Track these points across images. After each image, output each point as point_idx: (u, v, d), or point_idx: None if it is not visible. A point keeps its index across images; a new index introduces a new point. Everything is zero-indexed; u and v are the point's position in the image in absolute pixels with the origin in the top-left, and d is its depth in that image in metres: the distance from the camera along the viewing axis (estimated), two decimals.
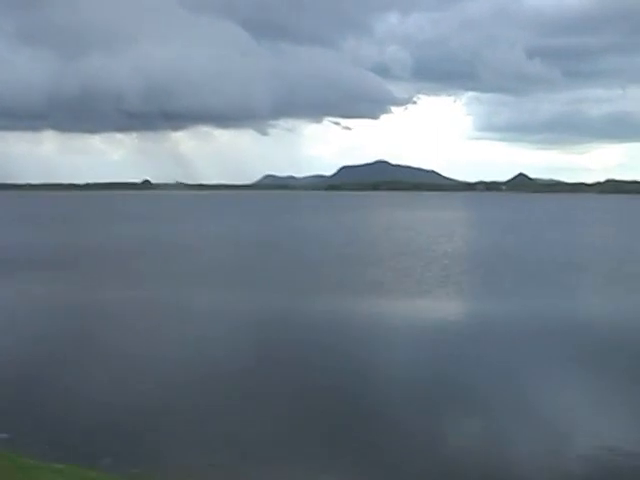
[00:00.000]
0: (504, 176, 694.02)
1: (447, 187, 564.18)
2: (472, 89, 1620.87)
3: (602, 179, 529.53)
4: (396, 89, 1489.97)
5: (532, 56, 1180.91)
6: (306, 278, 45.63)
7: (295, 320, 32.20)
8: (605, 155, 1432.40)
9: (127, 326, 30.86)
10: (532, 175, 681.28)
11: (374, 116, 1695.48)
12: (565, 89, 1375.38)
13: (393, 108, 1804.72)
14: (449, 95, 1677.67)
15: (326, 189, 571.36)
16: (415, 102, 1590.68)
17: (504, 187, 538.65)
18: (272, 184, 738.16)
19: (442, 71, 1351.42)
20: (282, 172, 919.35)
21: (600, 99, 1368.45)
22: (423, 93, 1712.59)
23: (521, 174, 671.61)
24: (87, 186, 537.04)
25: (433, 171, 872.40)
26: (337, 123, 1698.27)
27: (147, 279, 45.70)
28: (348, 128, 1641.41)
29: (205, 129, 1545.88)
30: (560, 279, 47.45)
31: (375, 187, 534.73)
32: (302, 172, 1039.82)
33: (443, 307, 35.93)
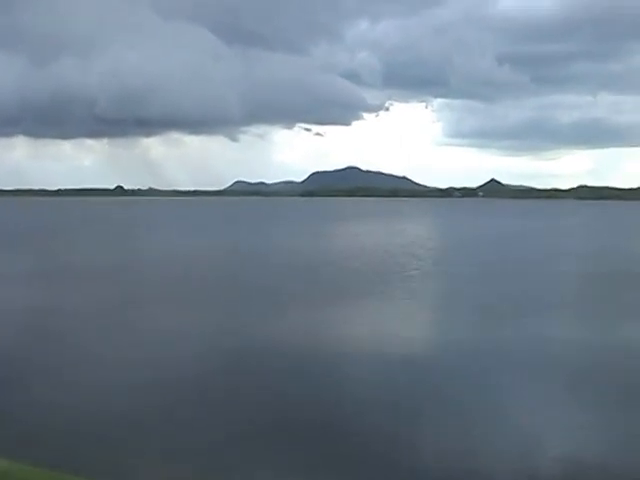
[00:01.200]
0: (474, 182, 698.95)
1: (422, 193, 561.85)
2: (442, 95, 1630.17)
3: (575, 185, 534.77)
4: (368, 95, 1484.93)
5: (502, 63, 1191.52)
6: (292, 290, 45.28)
7: (268, 330, 31.95)
8: (574, 161, 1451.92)
9: (101, 337, 30.62)
10: (503, 181, 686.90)
11: (346, 122, 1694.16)
12: (534, 95, 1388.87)
13: (365, 114, 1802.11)
14: (420, 102, 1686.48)
15: (301, 195, 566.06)
16: (387, 108, 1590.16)
17: (481, 193, 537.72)
18: (243, 190, 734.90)
19: (413, 77, 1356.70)
20: (253, 178, 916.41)
21: (570, 105, 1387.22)
22: (394, 99, 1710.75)
23: (493, 180, 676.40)
24: (59, 192, 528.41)
25: (405, 177, 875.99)
26: (308, 129, 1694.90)
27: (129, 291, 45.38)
28: (320, 134, 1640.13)
29: (176, 135, 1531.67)
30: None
31: (351, 193, 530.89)
32: (273, 178, 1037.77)
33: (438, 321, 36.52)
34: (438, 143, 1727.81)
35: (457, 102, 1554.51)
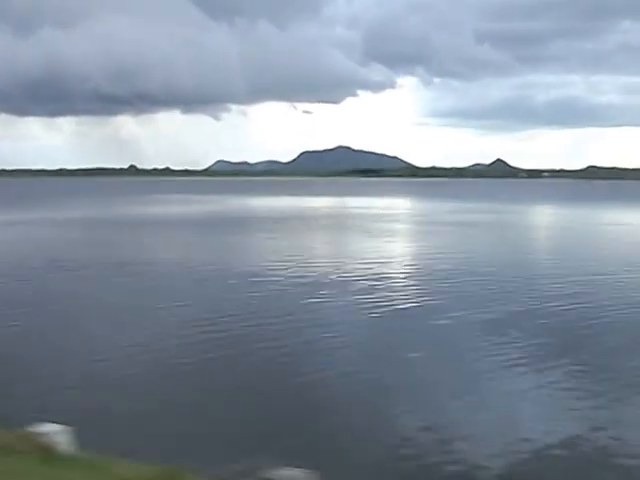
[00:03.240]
0: (470, 161, 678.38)
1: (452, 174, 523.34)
2: (423, 74, 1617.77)
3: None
4: (351, 73, 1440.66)
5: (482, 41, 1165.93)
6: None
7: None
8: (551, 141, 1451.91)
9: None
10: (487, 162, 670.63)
11: (336, 100, 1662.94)
12: (515, 74, 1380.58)
13: (350, 92, 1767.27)
14: (400, 79, 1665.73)
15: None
16: (370, 87, 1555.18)
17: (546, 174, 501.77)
18: (224, 170, 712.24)
19: (391, 56, 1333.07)
20: (235, 157, 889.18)
21: (548, 84, 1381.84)
22: (375, 77, 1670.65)
23: (499, 160, 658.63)
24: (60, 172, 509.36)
25: (396, 157, 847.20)
26: (295, 107, 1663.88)
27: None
28: (308, 112, 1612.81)
29: (153, 113, 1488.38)
30: None
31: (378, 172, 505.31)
32: (256, 158, 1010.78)
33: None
34: (414, 122, 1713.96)
35: (441, 80, 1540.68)
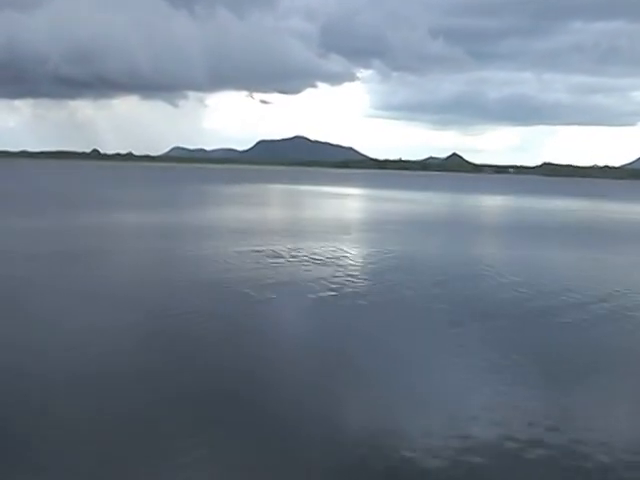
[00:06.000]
0: (425, 154, 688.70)
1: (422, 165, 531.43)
2: (381, 67, 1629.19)
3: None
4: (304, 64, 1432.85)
5: (436, 36, 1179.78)
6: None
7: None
8: (501, 137, 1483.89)
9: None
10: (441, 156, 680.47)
11: (294, 91, 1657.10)
12: (467, 70, 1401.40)
13: (300, 84, 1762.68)
14: (354, 72, 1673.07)
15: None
16: (326, 79, 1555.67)
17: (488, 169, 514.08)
18: (181, 156, 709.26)
19: (346, 48, 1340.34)
20: (192, 144, 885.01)
21: (500, 81, 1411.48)
22: (328, 70, 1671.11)
23: (455, 154, 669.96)
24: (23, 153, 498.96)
25: (352, 148, 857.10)
26: (252, 97, 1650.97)
27: None
28: (265, 102, 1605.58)
29: (111, 98, 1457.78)
30: None
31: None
32: (213, 145, 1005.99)
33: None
34: (369, 115, 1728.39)
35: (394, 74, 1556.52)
